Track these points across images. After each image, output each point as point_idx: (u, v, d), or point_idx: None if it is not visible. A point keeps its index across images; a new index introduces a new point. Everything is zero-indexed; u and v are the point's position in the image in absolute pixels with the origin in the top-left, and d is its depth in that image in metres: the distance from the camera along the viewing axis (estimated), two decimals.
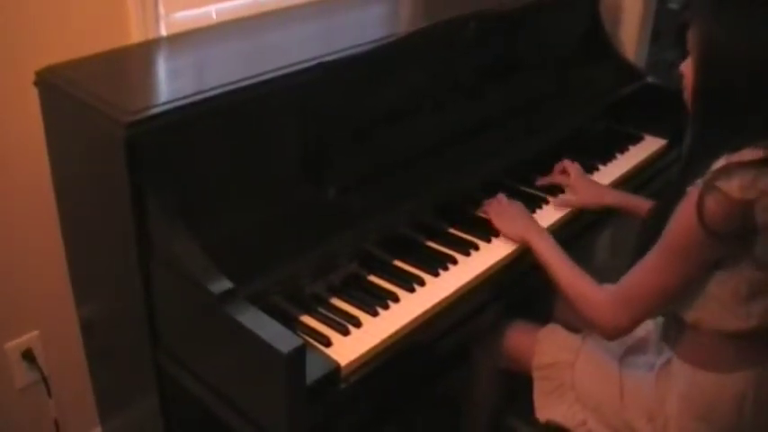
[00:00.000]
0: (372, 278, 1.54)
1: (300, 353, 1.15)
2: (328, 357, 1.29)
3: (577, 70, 2.17)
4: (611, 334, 1.44)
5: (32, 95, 1.51)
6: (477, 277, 1.56)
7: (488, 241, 1.65)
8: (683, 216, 1.28)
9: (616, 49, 2.35)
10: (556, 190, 1.87)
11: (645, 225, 1.52)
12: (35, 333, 1.78)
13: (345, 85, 1.55)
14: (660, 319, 1.57)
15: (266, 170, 1.50)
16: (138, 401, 1.65)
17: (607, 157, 2.04)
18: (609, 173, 1.98)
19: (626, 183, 1.98)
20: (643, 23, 2.49)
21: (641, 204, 1.75)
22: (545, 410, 1.60)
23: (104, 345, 1.74)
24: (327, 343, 1.35)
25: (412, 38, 1.65)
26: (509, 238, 1.65)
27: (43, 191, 1.62)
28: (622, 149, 2.09)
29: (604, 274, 1.48)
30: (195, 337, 1.37)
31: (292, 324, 1.39)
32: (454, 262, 1.59)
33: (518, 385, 1.73)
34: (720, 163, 1.26)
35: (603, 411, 1.53)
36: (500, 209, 1.71)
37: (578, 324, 1.66)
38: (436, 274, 1.55)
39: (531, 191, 1.86)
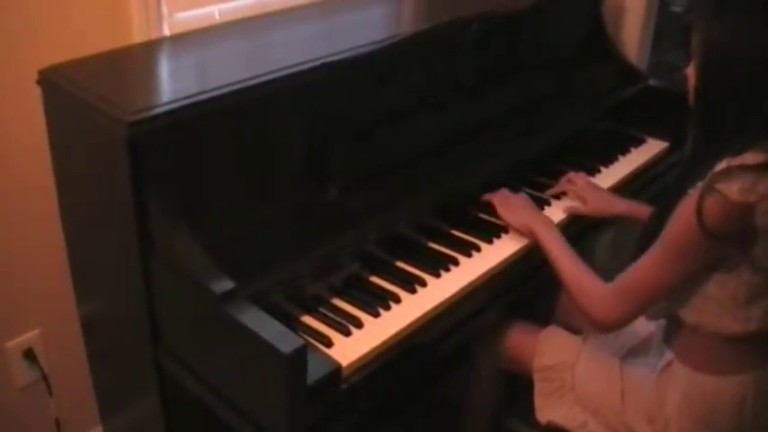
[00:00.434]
0: (374, 279, 1.54)
1: (302, 353, 1.15)
2: (329, 358, 1.29)
3: (579, 72, 2.17)
4: (606, 326, 1.45)
5: (35, 95, 1.51)
6: (478, 278, 1.56)
7: (490, 242, 1.65)
8: (683, 216, 1.29)
9: (618, 50, 2.35)
10: (560, 193, 1.87)
11: (646, 227, 1.52)
12: (36, 332, 1.78)
13: (348, 86, 1.55)
14: (662, 322, 1.57)
15: (268, 170, 1.50)
16: (139, 401, 1.65)
17: (609, 159, 2.04)
18: (610, 175, 1.98)
19: (628, 185, 1.98)
20: (645, 25, 2.49)
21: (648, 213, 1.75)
22: (545, 412, 1.61)
23: (105, 344, 1.74)
24: (329, 343, 1.36)
25: (415, 39, 1.66)
26: (515, 228, 1.66)
27: (45, 190, 1.62)
28: (624, 151, 2.09)
29: (605, 274, 1.49)
30: (196, 337, 1.37)
31: (293, 324, 1.39)
32: (456, 263, 1.59)
33: (518, 386, 1.73)
34: (722, 165, 1.26)
35: (604, 413, 1.53)
36: (505, 200, 1.72)
37: (579, 325, 1.66)
38: (438, 275, 1.55)
39: (534, 192, 1.86)
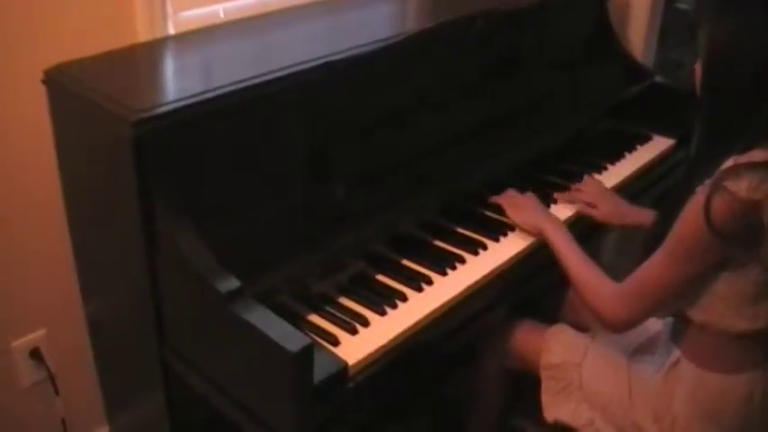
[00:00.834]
0: (380, 277, 1.53)
1: (308, 352, 1.15)
2: (336, 356, 1.29)
3: (585, 69, 2.17)
4: (616, 327, 1.45)
5: (41, 94, 1.51)
6: (485, 276, 1.56)
7: (497, 240, 1.65)
8: (690, 215, 1.29)
9: (624, 48, 2.35)
10: (564, 189, 1.86)
11: (652, 225, 1.52)
12: (42, 332, 1.78)
13: (352, 85, 1.55)
14: (669, 320, 1.56)
15: (273, 169, 1.50)
16: (145, 400, 1.65)
17: (615, 157, 2.03)
18: (617, 172, 1.97)
19: (634, 182, 1.97)
20: (651, 23, 2.48)
21: None
22: (552, 410, 1.60)
23: (111, 343, 1.74)
24: (335, 342, 1.35)
25: (418, 37, 1.65)
26: (523, 228, 1.66)
27: (51, 189, 1.62)
28: (630, 149, 2.08)
29: (611, 273, 1.48)
30: (202, 336, 1.37)
31: (300, 323, 1.39)
32: (462, 261, 1.58)
33: (525, 385, 1.73)
34: (729, 163, 1.26)
35: (611, 411, 1.53)
36: (513, 201, 1.72)
37: (586, 324, 1.66)
38: (444, 274, 1.54)
39: (540, 190, 1.85)
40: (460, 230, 1.69)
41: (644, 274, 1.39)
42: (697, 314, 1.40)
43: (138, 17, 1.67)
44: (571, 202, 1.82)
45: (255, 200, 1.45)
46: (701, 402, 1.42)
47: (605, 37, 2.28)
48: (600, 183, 1.88)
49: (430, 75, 1.72)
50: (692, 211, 1.28)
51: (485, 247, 1.63)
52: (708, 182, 1.27)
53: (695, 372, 1.43)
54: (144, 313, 1.43)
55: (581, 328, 1.66)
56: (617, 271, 1.46)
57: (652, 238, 1.40)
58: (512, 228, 1.69)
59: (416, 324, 1.42)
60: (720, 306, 1.36)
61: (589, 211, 1.78)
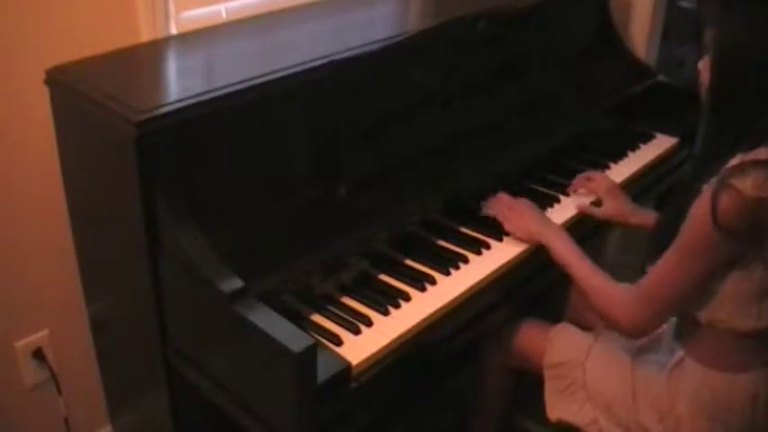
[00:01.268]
0: (383, 277, 1.53)
1: (311, 352, 1.15)
2: (339, 356, 1.29)
3: (588, 68, 2.16)
4: (633, 333, 1.45)
5: (43, 94, 1.51)
6: (488, 276, 1.56)
7: (500, 240, 1.65)
8: (698, 214, 1.28)
9: (626, 46, 2.34)
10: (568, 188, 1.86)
11: (658, 223, 1.51)
12: (45, 332, 1.78)
13: (356, 84, 1.55)
14: (673, 319, 1.56)
15: (277, 168, 1.50)
16: (148, 400, 1.65)
17: (618, 156, 2.03)
18: (620, 171, 1.97)
19: (637, 181, 1.97)
20: (654, 21, 2.47)
21: None
22: (556, 409, 1.60)
23: (114, 343, 1.74)
24: (338, 342, 1.35)
25: (422, 36, 1.65)
26: (522, 240, 1.63)
27: (53, 189, 1.62)
28: (633, 147, 2.08)
29: (615, 270, 1.48)
30: (205, 336, 1.37)
31: (303, 323, 1.39)
32: (466, 261, 1.58)
33: (528, 384, 1.72)
34: (735, 161, 1.26)
35: (615, 410, 1.52)
36: (508, 212, 1.67)
37: (590, 323, 1.65)
38: (447, 274, 1.54)
39: (543, 189, 1.86)
40: (464, 230, 1.68)
41: (656, 277, 1.38)
42: (703, 313, 1.39)
43: (141, 17, 1.67)
44: (580, 189, 1.82)
45: (258, 200, 1.45)
46: (705, 402, 1.42)
47: (608, 36, 2.28)
48: (608, 179, 1.87)
49: (433, 74, 1.72)
50: (699, 209, 1.28)
51: (488, 247, 1.63)
52: (714, 180, 1.26)
53: (700, 371, 1.43)
54: (147, 313, 1.43)
55: (584, 326, 1.66)
56: (621, 268, 1.45)
57: (658, 236, 1.39)
58: None
59: (420, 324, 1.42)
60: (727, 305, 1.36)
61: (591, 210, 1.78)
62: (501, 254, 1.61)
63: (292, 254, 1.41)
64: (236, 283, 1.23)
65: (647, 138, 2.13)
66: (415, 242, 1.62)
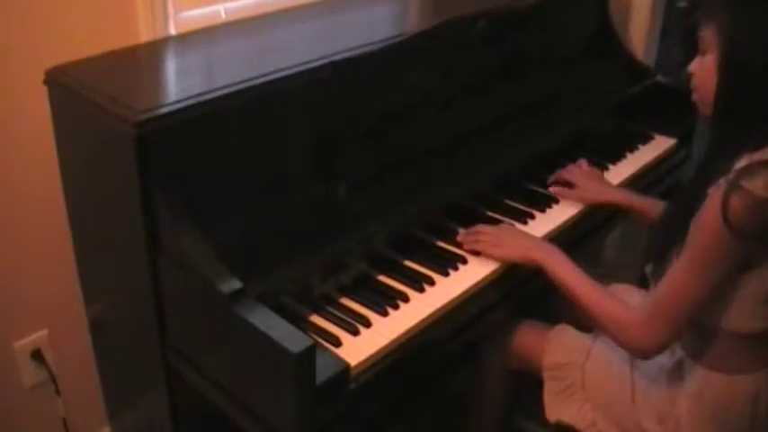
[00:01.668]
0: (382, 278, 1.53)
1: (310, 353, 1.15)
2: (338, 357, 1.29)
3: (586, 69, 2.17)
4: (646, 352, 1.39)
5: (42, 94, 1.51)
6: (487, 277, 1.56)
7: None
8: (708, 218, 1.26)
9: (625, 47, 2.35)
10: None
11: (660, 225, 1.51)
12: (44, 332, 1.78)
13: (355, 84, 1.55)
14: None
15: (276, 169, 1.50)
16: (147, 400, 1.65)
17: (617, 157, 2.03)
18: (619, 172, 1.97)
19: (636, 182, 1.97)
20: (652, 22, 2.48)
21: (646, 205, 1.74)
22: (555, 410, 1.60)
23: (113, 344, 1.74)
24: (337, 343, 1.35)
25: (421, 36, 1.65)
26: (515, 262, 1.58)
27: (52, 190, 1.62)
28: (632, 148, 2.08)
29: (613, 271, 1.47)
30: (204, 337, 1.37)
31: (302, 324, 1.39)
32: (464, 262, 1.58)
33: (527, 385, 1.72)
34: (743, 162, 1.25)
35: (614, 412, 1.52)
36: (493, 240, 1.61)
37: (589, 324, 1.65)
38: (446, 274, 1.54)
39: (541, 190, 1.86)
40: (462, 231, 1.68)
41: (668, 291, 1.34)
42: (706, 315, 1.38)
43: (140, 17, 1.66)
44: (559, 179, 1.84)
45: (258, 200, 1.45)
46: (706, 403, 1.42)
47: (606, 36, 2.28)
48: (588, 167, 1.89)
49: (432, 74, 1.72)
50: (708, 214, 1.26)
51: None
52: (720, 182, 1.26)
53: (701, 373, 1.42)
54: (146, 314, 1.43)
55: (583, 328, 1.66)
56: (619, 269, 1.45)
57: (663, 239, 1.38)
58: None
59: (418, 325, 1.42)
60: (732, 308, 1.34)
61: (567, 193, 1.79)
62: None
63: (292, 254, 1.41)
64: (235, 284, 1.23)
65: (646, 139, 2.14)
66: (414, 243, 1.62)
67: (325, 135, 1.54)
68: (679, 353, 1.47)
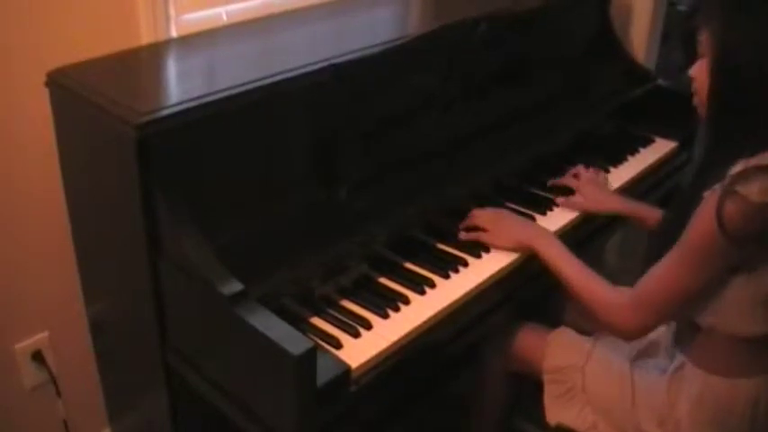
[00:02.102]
0: (383, 280, 1.53)
1: (311, 355, 1.15)
2: (339, 359, 1.29)
3: (587, 72, 2.17)
4: (627, 334, 1.44)
5: (43, 96, 1.51)
6: (487, 280, 1.56)
7: None
8: (702, 221, 1.27)
9: (626, 50, 2.35)
10: (567, 192, 1.86)
11: (658, 230, 1.51)
12: (45, 334, 1.78)
13: (356, 87, 1.55)
14: (672, 324, 1.56)
15: (277, 171, 1.50)
16: (148, 402, 1.65)
17: (617, 160, 2.03)
18: (619, 175, 1.97)
19: (636, 185, 1.97)
20: (653, 25, 2.48)
21: (648, 213, 1.75)
22: (555, 413, 1.60)
23: (114, 346, 1.74)
24: (338, 345, 1.35)
25: (423, 39, 1.65)
26: (512, 250, 1.61)
27: (53, 192, 1.62)
28: (633, 152, 2.08)
29: (614, 276, 1.47)
30: (205, 339, 1.37)
31: (303, 326, 1.39)
32: (465, 264, 1.58)
33: (528, 388, 1.72)
34: (738, 167, 1.25)
35: (614, 415, 1.52)
36: (489, 225, 1.63)
37: (589, 327, 1.65)
38: (447, 277, 1.54)
39: (542, 193, 1.86)
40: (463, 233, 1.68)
41: (655, 281, 1.37)
42: (705, 319, 1.39)
43: (141, 20, 1.67)
44: (563, 185, 1.85)
45: (259, 202, 1.45)
46: (707, 406, 1.42)
47: (607, 40, 2.28)
48: (592, 174, 1.88)
49: (433, 77, 1.72)
50: (703, 216, 1.27)
51: (488, 250, 1.62)
52: (716, 186, 1.26)
53: (701, 376, 1.42)
54: (147, 316, 1.43)
55: (584, 331, 1.66)
56: (620, 274, 1.45)
57: (659, 243, 1.39)
58: None
59: (419, 327, 1.42)
60: (730, 310, 1.35)
61: (573, 203, 1.79)
62: (500, 257, 1.61)
63: (292, 257, 1.41)
64: (236, 286, 1.23)
65: (647, 142, 2.14)
66: (414, 245, 1.62)
67: (325, 137, 1.54)
68: (679, 356, 1.47)
